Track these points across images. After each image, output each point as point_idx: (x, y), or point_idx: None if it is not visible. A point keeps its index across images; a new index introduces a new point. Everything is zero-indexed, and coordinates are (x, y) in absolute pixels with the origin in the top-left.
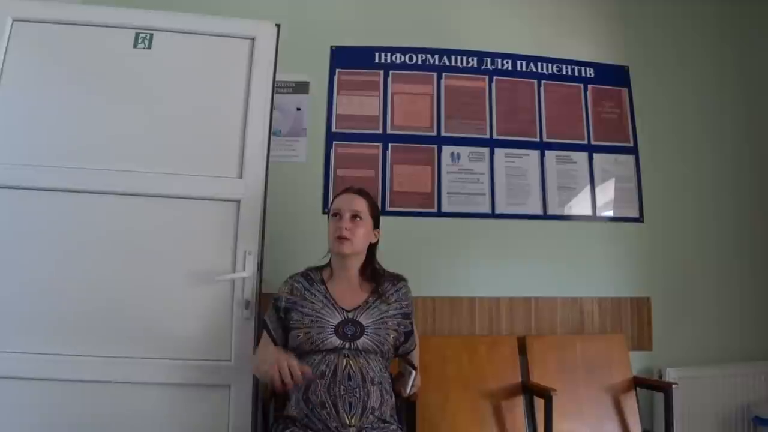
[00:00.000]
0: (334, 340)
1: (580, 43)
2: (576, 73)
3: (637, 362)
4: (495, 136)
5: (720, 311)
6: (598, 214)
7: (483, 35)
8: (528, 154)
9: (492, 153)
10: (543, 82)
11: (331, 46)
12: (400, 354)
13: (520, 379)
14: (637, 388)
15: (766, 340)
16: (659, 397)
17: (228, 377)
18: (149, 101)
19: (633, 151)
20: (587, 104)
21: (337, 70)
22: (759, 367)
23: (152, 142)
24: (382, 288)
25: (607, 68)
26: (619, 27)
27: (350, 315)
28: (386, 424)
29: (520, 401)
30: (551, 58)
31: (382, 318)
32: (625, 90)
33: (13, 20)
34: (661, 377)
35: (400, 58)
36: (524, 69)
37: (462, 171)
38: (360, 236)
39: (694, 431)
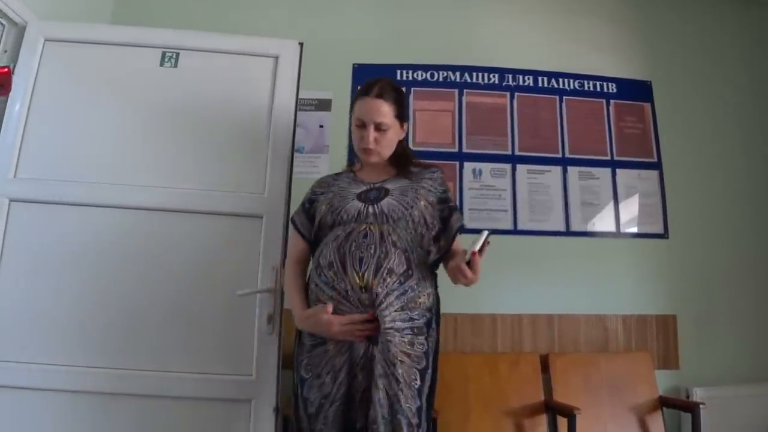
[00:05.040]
0: (356, 203)
1: (602, 59)
2: (598, 89)
3: (664, 381)
4: (517, 152)
5: (748, 329)
6: (622, 231)
7: (504, 52)
8: (550, 170)
9: (514, 169)
10: (565, 97)
11: (353, 64)
12: (444, 248)
13: (542, 398)
14: (664, 408)
15: None
16: (686, 417)
17: (250, 392)
18: (175, 118)
19: (657, 166)
20: (610, 120)
21: (359, 87)
22: None
23: (178, 158)
24: (412, 169)
25: (630, 83)
26: (641, 41)
27: (377, 184)
28: (413, 319)
29: (542, 420)
30: (573, 73)
31: (411, 186)
32: (648, 105)
33: (45, 40)
34: (688, 397)
35: (422, 75)
36: (546, 85)
37: (484, 187)
38: (386, 146)
39: None
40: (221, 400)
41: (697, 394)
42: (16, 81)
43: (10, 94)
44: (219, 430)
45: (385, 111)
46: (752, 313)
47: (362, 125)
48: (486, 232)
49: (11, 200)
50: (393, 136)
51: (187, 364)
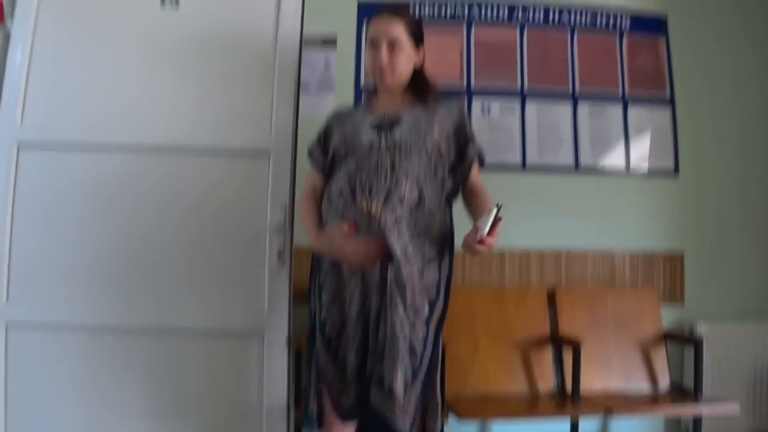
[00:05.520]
0: (369, 133)
1: None
2: (611, 23)
3: (669, 316)
4: (526, 89)
5: (755, 266)
6: (632, 168)
7: None
8: (560, 107)
9: (523, 106)
10: (576, 32)
11: (358, 1)
12: (460, 179)
13: (549, 331)
14: (668, 342)
15: None
16: (689, 351)
17: (262, 325)
18: (179, 59)
19: (669, 102)
20: (622, 55)
21: (365, 23)
22: None
23: (183, 98)
24: (430, 98)
25: (644, 17)
26: None
27: (391, 114)
28: (424, 248)
29: (548, 352)
30: (585, 6)
31: (426, 115)
32: (662, 40)
33: None
34: (692, 332)
35: (429, 9)
36: (556, 19)
37: (492, 124)
38: (401, 65)
39: (724, 386)
40: (235, 334)
41: (701, 329)
42: (16, 28)
43: (9, 32)
44: (233, 362)
45: (398, 28)
46: (761, 251)
47: (375, 46)
48: (495, 208)
49: (20, 146)
50: (407, 57)
51: (200, 300)
